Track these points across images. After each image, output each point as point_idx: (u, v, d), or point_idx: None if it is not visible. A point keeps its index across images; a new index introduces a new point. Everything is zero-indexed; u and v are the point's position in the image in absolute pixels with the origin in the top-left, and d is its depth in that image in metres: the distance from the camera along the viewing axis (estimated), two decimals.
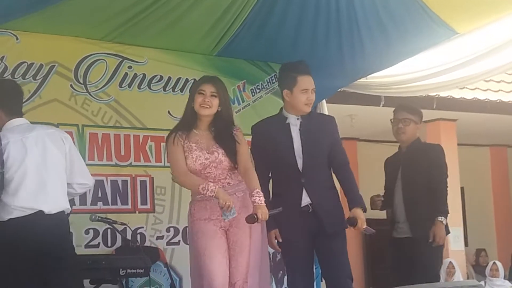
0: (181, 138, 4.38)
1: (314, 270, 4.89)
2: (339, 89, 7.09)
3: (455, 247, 10.20)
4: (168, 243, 5.88)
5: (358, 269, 11.09)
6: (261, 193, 4.28)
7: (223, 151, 4.38)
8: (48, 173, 4.18)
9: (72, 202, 4.54)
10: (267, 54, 6.38)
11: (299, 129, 4.67)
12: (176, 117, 5.79)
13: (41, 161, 4.17)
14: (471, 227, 12.10)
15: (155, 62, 6.01)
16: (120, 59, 5.86)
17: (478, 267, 11.27)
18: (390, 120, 5.61)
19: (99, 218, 5.20)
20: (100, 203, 5.64)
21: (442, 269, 9.13)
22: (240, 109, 6.31)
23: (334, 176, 4.79)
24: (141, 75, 5.95)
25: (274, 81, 6.54)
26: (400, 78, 7.06)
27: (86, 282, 4.95)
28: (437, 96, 9.58)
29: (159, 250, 5.74)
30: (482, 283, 9.73)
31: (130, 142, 5.85)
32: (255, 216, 4.18)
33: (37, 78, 5.46)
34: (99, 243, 5.59)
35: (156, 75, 6.02)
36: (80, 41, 5.66)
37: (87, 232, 5.54)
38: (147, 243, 5.74)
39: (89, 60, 5.72)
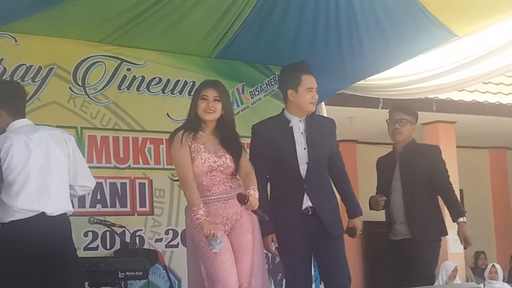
0: (189, 138, 4.36)
1: (313, 272, 4.89)
2: (338, 91, 7.09)
3: (454, 250, 10.19)
4: (167, 246, 5.87)
5: (357, 271, 11.09)
6: (256, 189, 4.31)
7: (230, 156, 4.39)
8: (50, 175, 4.18)
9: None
10: (266, 56, 6.38)
11: (302, 133, 4.66)
12: (175, 120, 5.80)
13: (44, 163, 4.17)
14: (470, 230, 12.07)
15: (154, 64, 6.01)
16: (119, 61, 5.86)
17: (477, 270, 11.27)
18: (386, 120, 5.60)
19: (98, 221, 5.20)
20: (99, 206, 5.63)
21: (445, 272, 9.13)
22: (239, 111, 6.30)
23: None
24: (140, 77, 5.95)
25: (273, 83, 6.55)
26: (399, 80, 7.07)
27: (85, 284, 4.93)
28: (436, 98, 9.59)
29: (158, 252, 5.73)
30: (481, 285, 9.74)
31: (129, 145, 5.84)
32: (247, 198, 4.22)
33: (36, 80, 5.46)
34: (98, 245, 5.58)
35: (155, 77, 6.02)
36: (79, 43, 5.66)
37: (86, 234, 5.53)
38: (146, 246, 5.73)
39: (88, 62, 5.72)
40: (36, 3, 4.91)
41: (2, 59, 5.33)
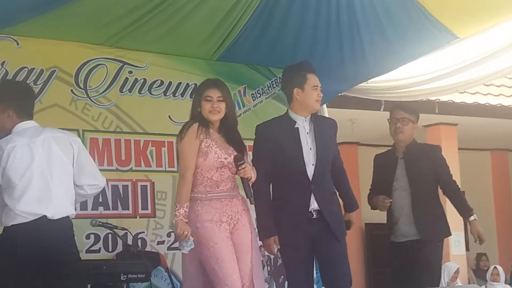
0: (203, 132, 4.38)
1: (314, 275, 4.88)
2: (340, 94, 7.09)
3: (456, 252, 10.19)
4: (169, 248, 5.87)
5: (358, 273, 11.08)
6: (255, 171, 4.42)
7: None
8: (52, 177, 4.16)
9: None
10: (267, 59, 6.38)
11: (308, 133, 4.66)
12: (176, 122, 5.80)
13: (46, 166, 4.16)
14: None
15: (155, 67, 6.01)
16: (121, 64, 5.86)
17: (479, 272, 11.26)
18: (388, 119, 5.59)
19: (100, 223, 5.20)
20: (101, 208, 5.63)
21: (447, 273, 9.12)
22: (241, 113, 6.30)
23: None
24: (142, 80, 5.96)
25: (274, 85, 6.55)
26: (401, 82, 7.07)
27: (88, 287, 4.94)
28: (437, 100, 9.59)
29: (160, 255, 5.74)
30: (483, 287, 9.74)
31: (131, 147, 5.85)
32: (243, 161, 4.33)
33: (37, 83, 5.46)
34: (100, 248, 5.58)
35: (156, 80, 6.02)
36: (81, 46, 5.67)
37: (88, 237, 5.54)
38: (148, 248, 5.74)
39: (90, 65, 5.72)
40: (38, 5, 4.90)
41: (4, 62, 5.34)
